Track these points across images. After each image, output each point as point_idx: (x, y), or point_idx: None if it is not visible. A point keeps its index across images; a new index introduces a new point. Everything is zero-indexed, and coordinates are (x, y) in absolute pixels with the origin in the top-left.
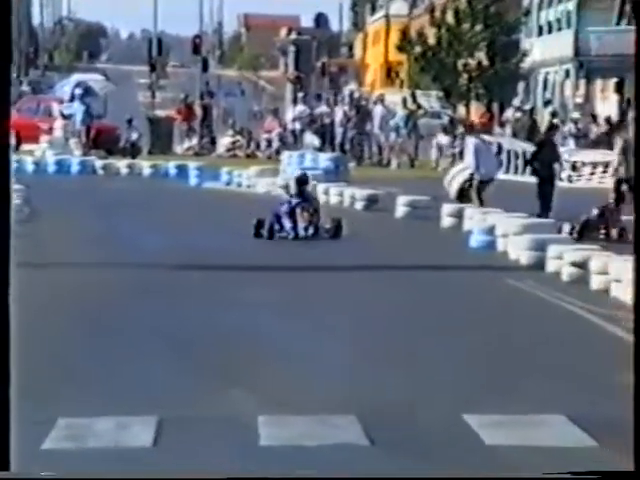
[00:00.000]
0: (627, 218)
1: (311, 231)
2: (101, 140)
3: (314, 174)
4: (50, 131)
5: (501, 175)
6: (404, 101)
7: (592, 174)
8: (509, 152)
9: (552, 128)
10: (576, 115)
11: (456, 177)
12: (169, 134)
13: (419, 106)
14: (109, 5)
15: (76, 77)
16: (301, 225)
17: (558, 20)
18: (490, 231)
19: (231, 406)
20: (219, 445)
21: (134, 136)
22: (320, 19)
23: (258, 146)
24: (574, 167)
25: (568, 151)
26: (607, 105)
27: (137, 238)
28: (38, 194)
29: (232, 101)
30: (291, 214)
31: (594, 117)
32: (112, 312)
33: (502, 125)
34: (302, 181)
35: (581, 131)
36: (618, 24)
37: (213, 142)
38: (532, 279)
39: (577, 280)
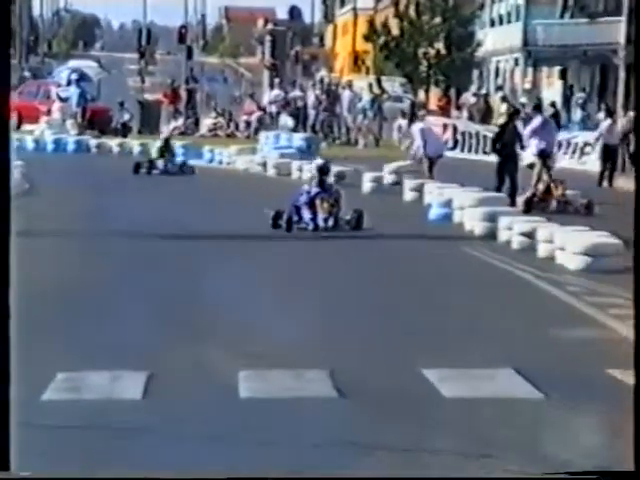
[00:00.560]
0: (571, 192)
1: (331, 222)
2: (95, 121)
3: (288, 152)
4: (48, 113)
5: (457, 154)
6: (370, 86)
7: None
8: (464, 133)
9: (515, 112)
10: (524, 100)
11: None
12: (157, 116)
13: (383, 91)
14: None
15: (72, 64)
16: (321, 216)
17: (509, 13)
18: (447, 204)
19: None
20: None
21: (125, 117)
22: (294, 11)
23: (237, 127)
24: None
25: None
26: (552, 91)
27: (126, 210)
28: (38, 170)
29: (214, 86)
30: (311, 205)
31: (539, 101)
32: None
33: (459, 108)
34: (324, 170)
35: (528, 114)
36: (562, 17)
37: (197, 123)
38: (485, 247)
39: (525, 248)
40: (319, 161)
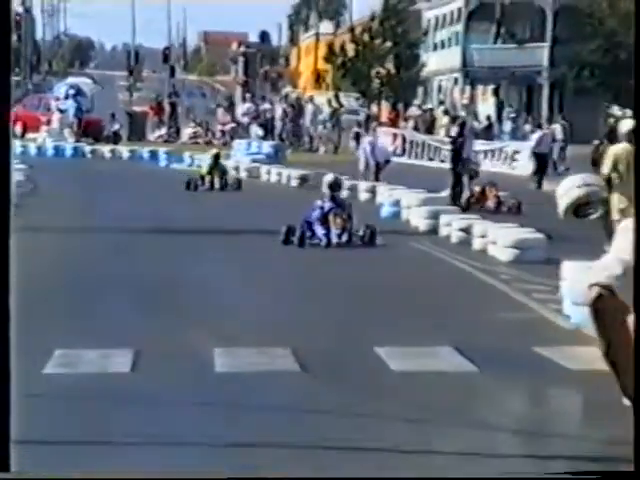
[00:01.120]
0: (503, 193)
1: (345, 238)
2: (89, 130)
3: (258, 158)
4: (49, 123)
5: (404, 160)
6: (329, 101)
7: None
8: (411, 142)
9: (463, 124)
10: (462, 113)
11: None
12: (143, 125)
13: (341, 105)
14: (96, 24)
15: (70, 80)
16: (334, 232)
17: (449, 39)
18: (396, 203)
19: None
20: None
21: (116, 127)
22: (264, 36)
23: (214, 135)
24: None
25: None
26: (486, 106)
27: (118, 205)
28: (40, 172)
29: (193, 100)
30: (324, 220)
31: (475, 115)
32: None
33: (406, 120)
34: (335, 186)
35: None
36: (495, 42)
37: (178, 132)
38: (429, 241)
39: (463, 242)
40: (329, 177)
